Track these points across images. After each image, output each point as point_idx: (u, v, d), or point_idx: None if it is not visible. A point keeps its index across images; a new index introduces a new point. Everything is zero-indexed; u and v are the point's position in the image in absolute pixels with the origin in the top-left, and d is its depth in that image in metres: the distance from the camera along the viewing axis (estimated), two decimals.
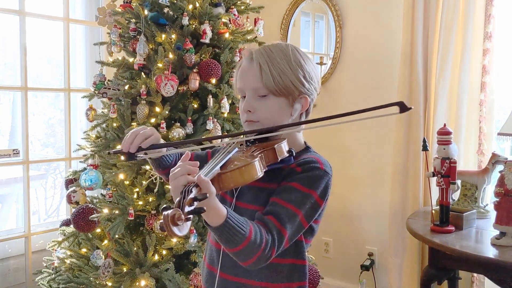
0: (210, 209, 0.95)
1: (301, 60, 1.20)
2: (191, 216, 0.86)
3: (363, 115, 1.09)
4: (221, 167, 1.02)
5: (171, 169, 0.97)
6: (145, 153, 1.17)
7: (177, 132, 2.19)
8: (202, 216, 0.97)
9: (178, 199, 0.87)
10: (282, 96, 1.18)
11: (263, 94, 1.18)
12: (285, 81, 1.17)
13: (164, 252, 2.20)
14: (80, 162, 2.73)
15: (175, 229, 0.83)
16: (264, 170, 1.07)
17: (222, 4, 2.41)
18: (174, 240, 2.13)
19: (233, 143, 1.18)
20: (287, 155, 1.14)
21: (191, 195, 0.88)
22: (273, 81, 1.16)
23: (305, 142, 1.29)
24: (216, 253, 1.24)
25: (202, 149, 1.43)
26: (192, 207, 0.87)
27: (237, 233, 0.98)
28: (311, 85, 1.22)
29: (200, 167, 1.05)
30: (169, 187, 2.20)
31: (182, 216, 0.83)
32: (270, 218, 1.08)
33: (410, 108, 1.05)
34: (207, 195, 0.90)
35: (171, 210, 0.83)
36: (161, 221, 0.83)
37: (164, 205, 0.86)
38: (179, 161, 0.99)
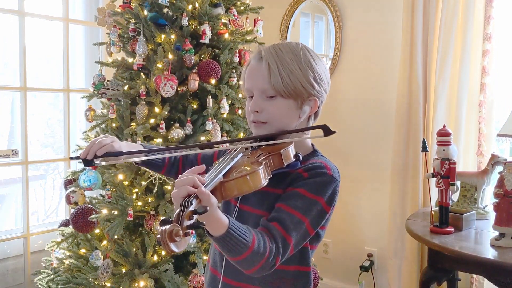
0: (211, 220, 0.93)
1: (311, 60, 1.16)
2: (189, 231, 0.83)
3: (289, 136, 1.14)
4: (224, 175, 0.99)
5: (179, 176, 0.95)
6: (103, 159, 1.20)
7: (176, 133, 2.19)
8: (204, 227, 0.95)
9: (177, 211, 0.85)
10: (290, 97, 1.14)
11: (271, 95, 1.15)
12: (294, 82, 1.13)
13: (163, 252, 2.20)
14: (79, 162, 2.72)
15: (172, 246, 0.80)
16: (269, 177, 1.04)
17: (222, 4, 2.40)
18: None
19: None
20: (294, 159, 1.11)
21: (191, 208, 0.85)
22: (282, 82, 1.13)
23: (312, 145, 1.26)
24: (219, 258, 1.22)
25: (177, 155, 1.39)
26: (191, 221, 0.84)
27: (239, 243, 0.96)
28: (321, 87, 1.18)
29: (207, 168, 1.03)
30: (168, 187, 2.20)
31: (180, 232, 0.81)
32: (275, 225, 1.05)
33: (334, 132, 1.07)
34: (207, 208, 0.87)
35: (169, 225, 0.81)
36: (159, 236, 0.81)
37: (163, 218, 0.83)
38: (188, 171, 0.97)
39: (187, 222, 0.83)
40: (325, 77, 1.20)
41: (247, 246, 0.97)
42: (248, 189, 0.98)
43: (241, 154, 1.11)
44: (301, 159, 1.12)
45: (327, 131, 1.07)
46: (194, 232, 2.12)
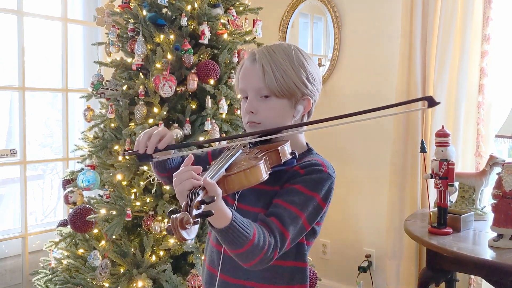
0: (216, 211, 0.95)
1: (304, 61, 1.19)
2: (198, 219, 0.85)
3: (385, 112, 1.09)
4: (226, 170, 1.02)
5: (174, 174, 0.95)
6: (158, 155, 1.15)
7: (175, 133, 2.19)
8: (207, 218, 0.96)
9: (185, 202, 0.86)
10: (284, 97, 1.18)
11: (266, 94, 1.18)
12: (288, 82, 1.16)
13: (161, 253, 2.20)
14: (77, 162, 2.73)
15: (183, 233, 0.82)
16: (269, 172, 1.07)
17: (221, 5, 2.40)
18: (172, 241, 2.13)
19: (237, 145, 1.18)
20: (290, 157, 1.13)
21: (198, 198, 0.87)
22: (276, 82, 1.16)
23: (307, 144, 1.28)
24: (216, 255, 1.23)
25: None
26: (199, 210, 0.86)
27: (241, 236, 0.98)
28: (313, 86, 1.21)
29: (202, 168, 1.05)
30: (167, 187, 2.20)
31: (191, 219, 0.82)
32: (273, 220, 1.07)
33: (439, 103, 1.05)
34: (215, 198, 0.89)
35: (179, 213, 0.82)
36: (169, 224, 0.82)
37: (171, 208, 0.85)
38: (182, 165, 0.98)
39: (196, 212, 0.85)
40: (317, 77, 1.23)
41: (248, 239, 0.99)
42: (250, 183, 1.01)
43: (240, 151, 1.14)
44: (297, 156, 1.15)
45: (431, 102, 1.05)
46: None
